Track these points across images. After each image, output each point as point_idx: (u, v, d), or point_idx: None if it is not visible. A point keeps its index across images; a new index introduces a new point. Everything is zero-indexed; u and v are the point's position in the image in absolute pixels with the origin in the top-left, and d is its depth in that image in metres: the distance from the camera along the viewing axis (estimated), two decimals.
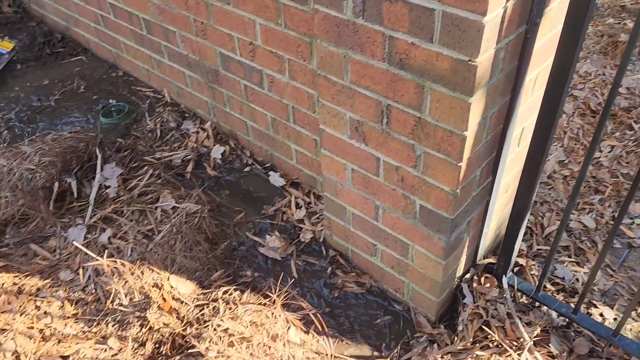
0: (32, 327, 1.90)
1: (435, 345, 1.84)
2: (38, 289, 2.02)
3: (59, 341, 1.86)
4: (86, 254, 2.07)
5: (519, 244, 1.85)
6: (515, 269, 1.99)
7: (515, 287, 1.88)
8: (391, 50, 1.41)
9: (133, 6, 2.61)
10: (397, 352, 1.85)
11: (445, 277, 1.79)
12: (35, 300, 1.98)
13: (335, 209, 2.02)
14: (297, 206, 2.31)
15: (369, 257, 2.03)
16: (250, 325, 1.82)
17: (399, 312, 1.99)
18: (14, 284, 2.03)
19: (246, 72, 2.23)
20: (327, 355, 1.85)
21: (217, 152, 2.55)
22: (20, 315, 1.93)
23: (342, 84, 1.61)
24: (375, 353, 1.87)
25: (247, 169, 2.52)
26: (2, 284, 2.03)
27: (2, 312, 1.94)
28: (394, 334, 1.92)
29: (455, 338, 1.82)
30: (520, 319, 1.79)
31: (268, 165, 2.52)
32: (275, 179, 2.42)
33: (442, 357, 1.77)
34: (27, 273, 2.07)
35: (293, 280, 2.07)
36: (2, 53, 3.24)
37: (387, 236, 1.86)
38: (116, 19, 2.82)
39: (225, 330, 1.81)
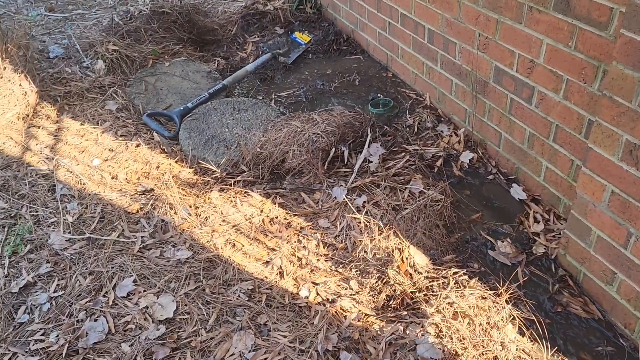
0: (294, 255, 2.37)
1: None
2: (301, 228, 2.50)
3: (312, 271, 2.29)
4: (344, 209, 2.49)
5: None
6: None
7: None
8: None
9: (423, 17, 2.98)
10: None
11: None
12: (299, 235, 2.46)
13: (578, 228, 2.07)
14: (535, 220, 2.40)
15: (602, 284, 2.03)
16: (475, 307, 2.00)
17: (624, 348, 1.95)
18: (285, 218, 2.55)
19: (517, 86, 2.40)
20: None
21: (466, 157, 2.77)
22: (287, 243, 2.42)
23: (627, 106, 1.69)
24: None
25: (490, 177, 2.68)
26: (277, 216, 2.56)
27: (274, 237, 2.46)
28: None
29: None
30: None
31: (511, 177, 2.65)
32: (517, 192, 2.54)
33: None
34: (296, 213, 2.57)
35: (517, 284, 2.17)
36: (301, 44, 3.97)
37: (633, 266, 1.85)
38: (402, 26, 3.25)
39: (451, 304, 2.02)
